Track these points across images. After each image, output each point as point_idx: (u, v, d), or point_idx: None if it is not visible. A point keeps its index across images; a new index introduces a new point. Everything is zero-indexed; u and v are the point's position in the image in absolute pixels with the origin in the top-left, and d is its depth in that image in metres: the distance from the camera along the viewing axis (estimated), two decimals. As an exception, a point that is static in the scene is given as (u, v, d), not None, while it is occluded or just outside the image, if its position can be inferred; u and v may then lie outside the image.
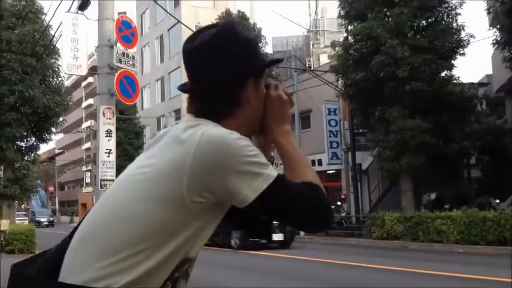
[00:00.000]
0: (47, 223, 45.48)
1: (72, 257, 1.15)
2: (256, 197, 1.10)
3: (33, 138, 22.08)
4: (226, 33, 1.24)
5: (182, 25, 20.41)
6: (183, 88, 1.28)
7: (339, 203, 24.36)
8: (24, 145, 21.87)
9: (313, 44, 40.23)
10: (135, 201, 1.12)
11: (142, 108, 40.83)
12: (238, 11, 27.25)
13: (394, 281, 9.30)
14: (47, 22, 19.65)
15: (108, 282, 1.08)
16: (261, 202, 1.11)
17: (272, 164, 1.29)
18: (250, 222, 1.38)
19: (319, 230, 1.23)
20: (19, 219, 46.82)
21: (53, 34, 17.49)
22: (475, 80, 22.63)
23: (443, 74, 18.36)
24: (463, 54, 18.03)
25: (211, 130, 1.13)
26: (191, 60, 1.25)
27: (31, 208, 52.75)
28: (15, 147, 20.76)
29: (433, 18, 18.03)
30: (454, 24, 18.00)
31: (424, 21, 18.25)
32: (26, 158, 22.01)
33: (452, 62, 18.22)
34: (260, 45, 26.55)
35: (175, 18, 19.98)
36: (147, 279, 1.10)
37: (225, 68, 1.22)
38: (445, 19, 18.13)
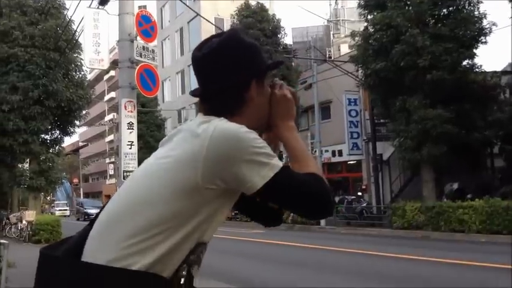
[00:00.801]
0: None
1: (96, 239, 1.27)
2: (263, 184, 1.21)
3: (58, 131, 22.51)
4: (230, 41, 1.37)
5: (202, 18, 20.49)
6: (194, 93, 1.41)
7: (359, 194, 24.35)
8: (48, 138, 22.31)
9: (333, 34, 39.98)
10: (157, 187, 1.24)
11: (163, 101, 41.16)
12: (258, 2, 27.21)
13: (414, 270, 9.33)
14: (69, 17, 19.99)
15: (129, 262, 1.19)
16: (268, 189, 1.22)
17: (281, 158, 1.42)
18: (262, 212, 1.47)
19: (320, 217, 1.34)
20: (59, 210, 47.52)
21: (75, 29, 17.77)
22: (498, 69, 22.26)
23: (465, 63, 18.14)
24: (485, 42, 17.76)
25: (223, 124, 1.25)
26: (200, 66, 1.38)
27: (56, 199, 53.73)
28: (40, 140, 21.20)
29: (454, 7, 17.78)
30: (476, 12, 17.73)
31: (445, 10, 18.01)
32: (50, 151, 22.46)
33: (474, 50, 17.96)
34: (279, 37, 26.49)
35: (194, 11, 20.07)
36: (164, 261, 1.21)
37: (231, 72, 1.35)
38: (467, 7, 17.85)
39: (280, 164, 1.24)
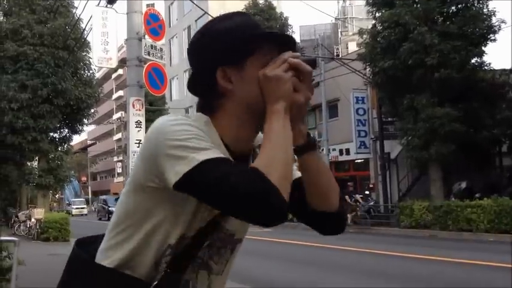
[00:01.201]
0: None
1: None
2: (177, 180, 1.08)
3: (66, 130, 22.66)
4: (200, 30, 1.27)
5: (209, 16, 20.48)
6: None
7: (367, 192, 24.28)
8: (57, 136, 22.47)
9: (341, 32, 39.85)
10: (127, 184, 1.26)
11: (171, 99, 41.27)
12: (265, 0, 27.21)
13: (422, 269, 9.31)
14: (78, 16, 20.11)
15: (103, 257, 1.23)
16: (184, 186, 1.09)
17: (318, 148, 1.30)
18: (316, 218, 1.31)
19: (261, 222, 1.09)
20: (76, 208, 46.80)
21: (83, 27, 17.85)
22: (507, 66, 22.13)
23: (473, 61, 18.05)
24: (494, 40, 17.66)
25: (158, 119, 1.18)
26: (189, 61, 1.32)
27: (65, 198, 53.97)
28: (49, 138, 21.35)
29: (462, 4, 17.67)
30: (485, 10, 17.62)
31: (453, 7, 17.91)
32: (59, 149, 22.63)
33: (483, 48, 17.86)
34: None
35: (202, 9, 20.12)
36: (134, 258, 1.21)
37: (197, 63, 1.26)
38: (475, 5, 17.74)
39: (204, 157, 1.06)
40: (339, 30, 39.65)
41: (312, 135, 1.27)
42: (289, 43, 1.25)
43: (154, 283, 1.19)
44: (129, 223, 1.21)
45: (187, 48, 1.27)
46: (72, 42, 19.36)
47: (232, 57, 1.21)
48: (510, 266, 8.76)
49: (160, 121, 1.16)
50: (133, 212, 1.21)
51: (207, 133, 1.16)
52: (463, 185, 18.45)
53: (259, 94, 1.18)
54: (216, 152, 1.09)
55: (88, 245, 1.32)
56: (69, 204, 49.87)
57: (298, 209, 1.30)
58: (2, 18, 21.61)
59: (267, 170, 1.05)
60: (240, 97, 1.21)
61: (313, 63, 1.21)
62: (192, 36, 1.35)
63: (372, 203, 21.77)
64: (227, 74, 1.21)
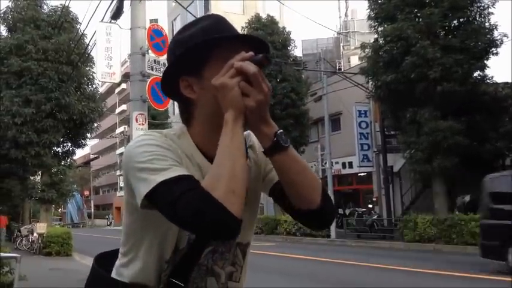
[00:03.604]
0: None
1: None
2: (140, 202, 1.12)
3: (69, 144, 22.70)
4: (171, 39, 1.32)
5: (212, 30, 20.59)
6: None
7: (370, 206, 24.20)
8: (60, 151, 22.50)
9: (343, 46, 40.03)
10: (124, 206, 1.30)
11: (174, 114, 41.33)
12: (268, 15, 27.35)
13: (427, 283, 9.23)
14: (82, 31, 20.21)
15: (117, 274, 1.30)
16: (149, 206, 1.12)
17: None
18: (305, 218, 1.31)
19: (210, 237, 1.17)
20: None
21: (87, 43, 17.98)
22: (510, 80, 22.16)
23: (476, 74, 18.06)
24: (497, 53, 17.68)
25: (133, 140, 1.24)
26: None
27: (67, 212, 53.91)
28: (52, 152, 21.38)
29: (464, 18, 17.74)
30: (487, 24, 17.66)
31: (455, 21, 17.97)
32: (62, 163, 22.64)
33: (485, 62, 17.89)
34: (289, 49, 26.53)
35: (205, 24, 20.32)
36: (141, 276, 1.25)
37: (164, 73, 1.29)
38: (477, 19, 17.81)
39: (160, 179, 1.09)
40: (341, 44, 39.84)
41: (281, 133, 1.20)
42: (252, 44, 1.22)
43: None
44: (131, 243, 1.27)
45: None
46: (76, 58, 19.49)
47: (191, 66, 1.22)
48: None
49: (130, 143, 1.21)
50: (132, 233, 1.27)
51: (179, 145, 1.21)
52: (467, 198, 18.34)
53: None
54: (174, 171, 1.11)
55: (106, 260, 1.37)
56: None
57: (288, 209, 1.31)
58: (6, 33, 21.80)
59: (211, 187, 1.07)
60: (204, 105, 1.23)
61: (259, 62, 1.14)
62: None
63: (375, 217, 21.67)
64: (189, 83, 1.23)
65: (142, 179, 1.12)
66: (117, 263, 1.31)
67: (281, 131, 1.20)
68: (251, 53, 1.15)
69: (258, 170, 1.36)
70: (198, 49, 1.20)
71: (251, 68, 1.11)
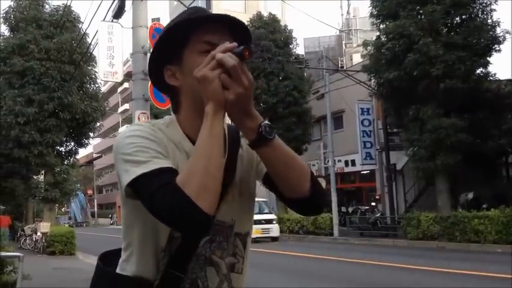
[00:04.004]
0: None
1: None
2: (123, 191, 1.16)
3: (72, 143, 22.74)
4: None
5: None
6: None
7: (373, 204, 24.18)
8: (63, 150, 22.55)
9: (345, 44, 39.98)
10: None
11: (176, 112, 41.38)
12: (269, 13, 27.31)
13: (430, 281, 9.22)
14: (84, 30, 20.21)
15: (121, 269, 1.31)
16: (132, 195, 1.16)
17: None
18: (297, 205, 1.31)
19: (183, 231, 1.17)
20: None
21: (89, 42, 18.00)
22: (513, 77, 22.07)
23: (478, 71, 18.01)
24: (499, 50, 17.61)
25: (123, 129, 1.27)
26: None
27: (71, 211, 54.02)
28: (55, 152, 21.41)
29: (467, 15, 17.69)
30: (489, 21, 17.61)
31: (457, 18, 17.93)
32: (65, 163, 22.69)
33: (488, 58, 17.83)
34: (291, 47, 26.49)
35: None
36: (142, 270, 1.25)
37: (149, 62, 1.35)
38: (480, 15, 17.75)
39: (141, 171, 1.11)
40: (343, 42, 39.82)
41: (265, 125, 1.18)
42: (234, 26, 1.25)
43: (156, 283, 1.23)
44: (129, 234, 1.28)
45: None
46: (78, 57, 19.51)
47: (171, 51, 1.26)
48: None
49: (119, 134, 1.24)
50: (129, 224, 1.28)
51: (167, 133, 1.24)
52: (470, 195, 18.32)
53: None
54: (155, 163, 1.12)
55: (110, 259, 1.38)
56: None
57: (280, 198, 1.32)
58: (8, 33, 21.84)
59: (183, 182, 1.07)
60: (187, 91, 1.26)
61: (241, 53, 1.10)
62: None
63: (378, 215, 21.65)
64: (172, 71, 1.27)
65: (125, 170, 1.15)
66: (120, 259, 1.32)
67: (266, 122, 1.18)
68: (234, 44, 1.13)
69: (251, 159, 1.36)
70: (174, 32, 1.25)
71: (230, 60, 1.09)
